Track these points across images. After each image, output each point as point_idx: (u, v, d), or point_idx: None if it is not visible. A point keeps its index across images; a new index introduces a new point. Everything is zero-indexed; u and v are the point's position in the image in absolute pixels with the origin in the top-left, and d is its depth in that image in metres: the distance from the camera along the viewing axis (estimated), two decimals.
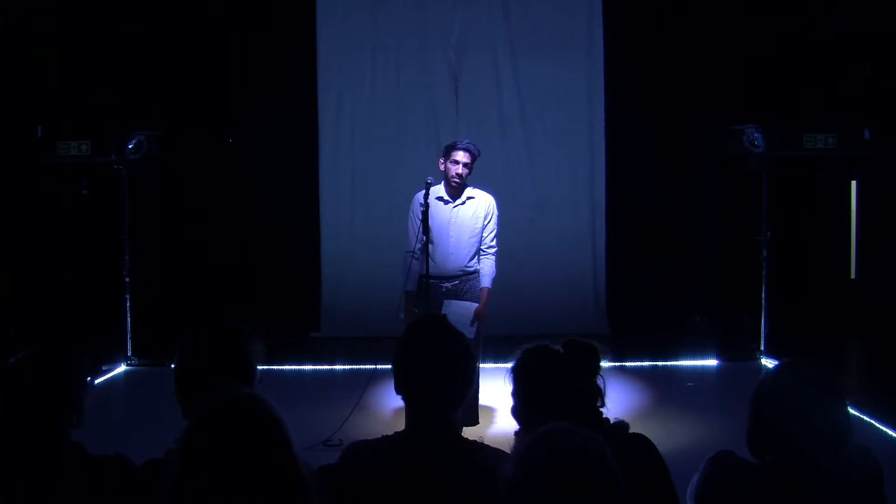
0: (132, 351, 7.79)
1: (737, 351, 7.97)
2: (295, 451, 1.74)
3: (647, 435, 2.70)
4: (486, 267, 5.86)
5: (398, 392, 2.37)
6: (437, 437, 2.30)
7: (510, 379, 2.60)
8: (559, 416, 2.39)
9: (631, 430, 2.69)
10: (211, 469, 1.67)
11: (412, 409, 2.36)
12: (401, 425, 2.40)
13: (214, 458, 1.68)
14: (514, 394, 2.59)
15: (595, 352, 2.71)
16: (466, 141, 5.83)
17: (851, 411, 2.34)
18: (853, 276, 9.26)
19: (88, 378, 2.49)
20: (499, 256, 5.92)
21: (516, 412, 2.59)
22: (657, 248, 9.18)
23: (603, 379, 2.69)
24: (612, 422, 2.66)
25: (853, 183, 9.20)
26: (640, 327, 8.50)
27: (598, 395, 2.69)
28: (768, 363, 7.55)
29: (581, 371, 2.64)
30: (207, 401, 1.77)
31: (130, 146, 7.75)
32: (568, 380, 2.58)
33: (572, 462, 1.70)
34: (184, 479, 1.68)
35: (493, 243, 5.89)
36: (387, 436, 2.38)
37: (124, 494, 2.30)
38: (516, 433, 2.54)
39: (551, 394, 2.54)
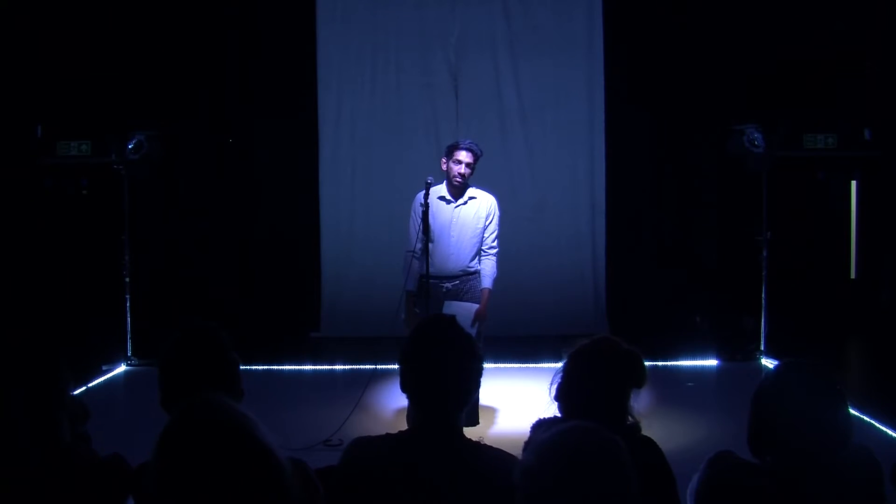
0: (132, 351, 7.78)
1: (737, 351, 7.96)
2: (268, 444, 1.75)
3: (647, 436, 2.70)
4: (487, 267, 5.86)
5: (404, 390, 2.37)
6: (442, 437, 2.30)
7: (567, 359, 2.63)
8: (601, 406, 2.44)
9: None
10: (184, 478, 1.69)
11: (418, 407, 2.35)
12: (401, 425, 2.39)
13: (184, 468, 1.70)
14: (567, 373, 2.61)
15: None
16: (469, 141, 5.84)
17: (852, 411, 2.34)
18: (853, 276, 9.25)
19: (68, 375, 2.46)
20: (499, 257, 5.92)
21: (562, 391, 2.60)
22: (657, 248, 9.18)
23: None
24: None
25: (853, 183, 9.20)
26: (639, 327, 8.47)
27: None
28: (768, 363, 7.54)
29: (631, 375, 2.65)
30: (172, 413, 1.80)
31: (130, 146, 7.74)
32: (621, 377, 2.61)
33: (591, 461, 1.74)
34: (161, 491, 1.71)
35: (495, 244, 5.89)
36: (390, 434, 2.37)
37: (118, 496, 2.29)
38: (534, 426, 2.54)
39: (603, 386, 2.57)
